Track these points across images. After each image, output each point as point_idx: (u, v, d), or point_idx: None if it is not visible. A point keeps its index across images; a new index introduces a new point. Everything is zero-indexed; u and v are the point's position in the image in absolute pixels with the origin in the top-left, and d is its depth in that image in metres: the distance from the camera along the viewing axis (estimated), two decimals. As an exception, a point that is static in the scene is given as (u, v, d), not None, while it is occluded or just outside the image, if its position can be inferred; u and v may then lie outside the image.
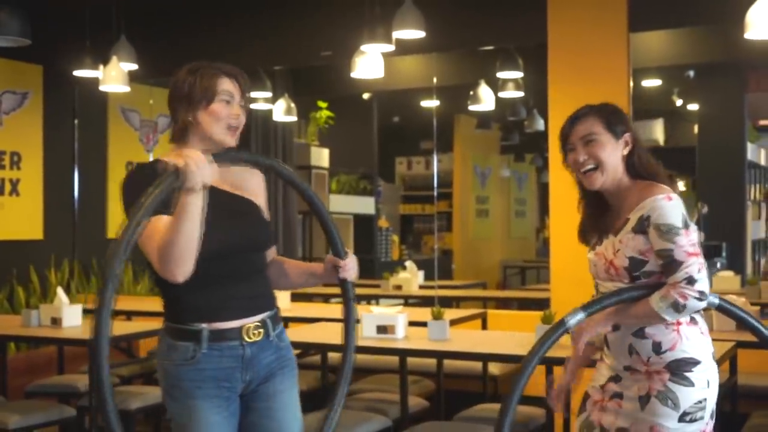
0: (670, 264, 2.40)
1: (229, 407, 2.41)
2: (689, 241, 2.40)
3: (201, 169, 2.11)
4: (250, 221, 2.51)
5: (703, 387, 2.45)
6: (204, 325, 2.37)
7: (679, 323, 2.47)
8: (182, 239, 2.17)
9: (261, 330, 2.44)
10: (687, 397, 2.43)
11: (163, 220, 2.24)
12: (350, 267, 2.52)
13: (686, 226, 2.41)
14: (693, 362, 2.45)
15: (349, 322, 2.50)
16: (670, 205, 2.42)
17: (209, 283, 2.36)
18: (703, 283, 2.39)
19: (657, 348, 2.46)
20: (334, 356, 5.10)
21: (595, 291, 2.67)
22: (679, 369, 2.44)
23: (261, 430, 2.48)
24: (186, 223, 2.16)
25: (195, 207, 2.16)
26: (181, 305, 2.40)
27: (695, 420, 2.44)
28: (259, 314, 2.45)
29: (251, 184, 2.56)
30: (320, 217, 2.43)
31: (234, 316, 2.41)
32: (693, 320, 2.50)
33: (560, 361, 3.81)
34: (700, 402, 2.44)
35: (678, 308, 2.38)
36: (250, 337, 2.41)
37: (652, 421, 2.43)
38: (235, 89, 2.45)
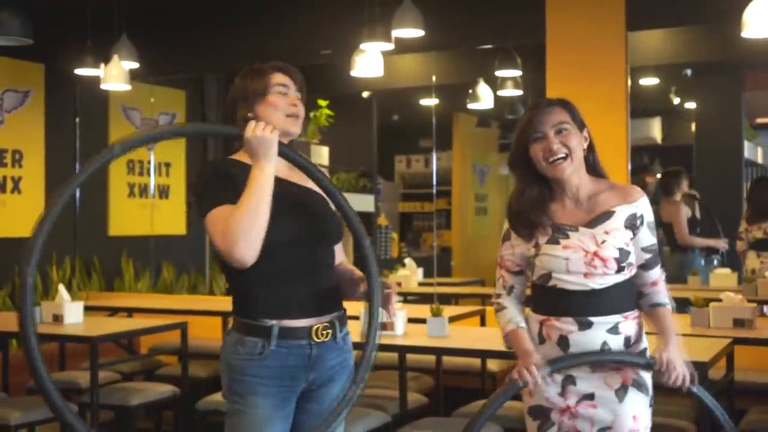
0: (655, 258, 2.58)
1: (285, 408, 2.42)
2: None
3: (266, 136, 2.24)
4: (320, 214, 2.50)
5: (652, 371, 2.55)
6: (274, 322, 2.37)
7: (638, 316, 2.58)
8: (247, 215, 2.22)
9: (329, 331, 2.44)
10: (650, 382, 2.54)
11: (228, 209, 2.28)
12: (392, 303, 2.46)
13: None
14: (646, 349, 2.57)
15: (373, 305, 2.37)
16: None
17: (279, 278, 2.36)
18: None
19: (627, 342, 2.53)
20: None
21: (506, 289, 2.62)
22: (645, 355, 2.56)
23: (309, 429, 2.47)
24: (252, 198, 2.23)
25: (261, 182, 2.24)
26: (251, 300, 2.40)
27: (652, 405, 2.56)
28: (328, 314, 2.45)
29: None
30: (362, 251, 2.38)
31: (304, 314, 2.41)
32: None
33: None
34: (654, 386, 2.55)
35: None
36: (318, 337, 2.41)
37: (633, 411, 2.49)
38: (288, 81, 2.51)
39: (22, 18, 5.15)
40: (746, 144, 8.12)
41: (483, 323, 5.32)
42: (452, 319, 4.59)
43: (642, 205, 2.55)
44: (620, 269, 2.49)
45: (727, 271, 6.29)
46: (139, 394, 4.70)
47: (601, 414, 2.50)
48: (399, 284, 6.89)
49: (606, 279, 2.48)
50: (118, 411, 4.80)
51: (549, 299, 2.55)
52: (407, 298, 6.95)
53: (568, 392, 2.53)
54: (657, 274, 2.58)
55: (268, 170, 2.27)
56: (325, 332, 2.42)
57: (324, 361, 2.43)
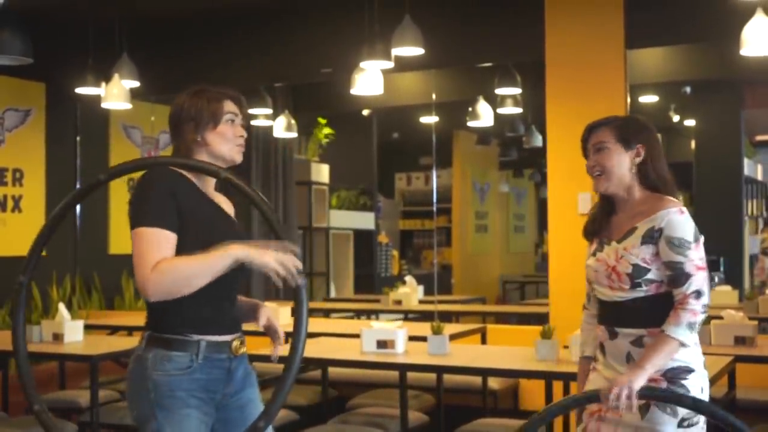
0: (680, 277, 2.50)
1: (209, 420, 2.49)
2: (698, 255, 2.52)
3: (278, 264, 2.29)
4: (237, 238, 2.52)
5: (698, 393, 2.52)
6: (200, 337, 2.45)
7: None
8: (187, 278, 2.33)
9: (244, 346, 2.57)
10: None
11: (169, 241, 2.38)
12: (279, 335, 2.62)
13: (696, 239, 2.53)
14: (688, 370, 2.53)
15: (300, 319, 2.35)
16: (682, 218, 2.54)
17: (207, 299, 2.43)
18: (707, 297, 2.51)
19: None
20: (334, 371, 5.13)
21: (587, 298, 2.77)
22: (675, 377, 2.51)
23: None
24: (201, 270, 2.33)
25: (220, 265, 2.32)
26: (174, 316, 2.44)
27: (692, 425, 2.51)
28: (238, 332, 2.58)
29: (230, 206, 2.68)
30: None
31: (224, 331, 2.51)
32: None
33: (560, 376, 3.85)
34: None
35: (693, 327, 2.48)
36: (236, 352, 2.53)
37: (653, 429, 2.50)
38: (237, 110, 2.61)
39: (23, 37, 5.17)
40: (746, 161, 8.14)
41: (484, 341, 5.32)
42: (453, 337, 4.58)
43: (662, 218, 2.53)
44: (635, 285, 2.54)
45: (727, 288, 6.29)
46: (139, 413, 4.68)
47: (624, 426, 2.55)
48: (399, 302, 6.90)
49: (627, 293, 2.56)
50: (118, 430, 4.79)
51: (598, 307, 2.71)
52: (408, 316, 6.94)
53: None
54: (680, 295, 2.49)
55: (232, 263, 2.33)
56: (242, 347, 2.56)
57: (237, 374, 2.55)
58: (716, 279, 7.19)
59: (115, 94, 6.13)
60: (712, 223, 7.32)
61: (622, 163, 2.64)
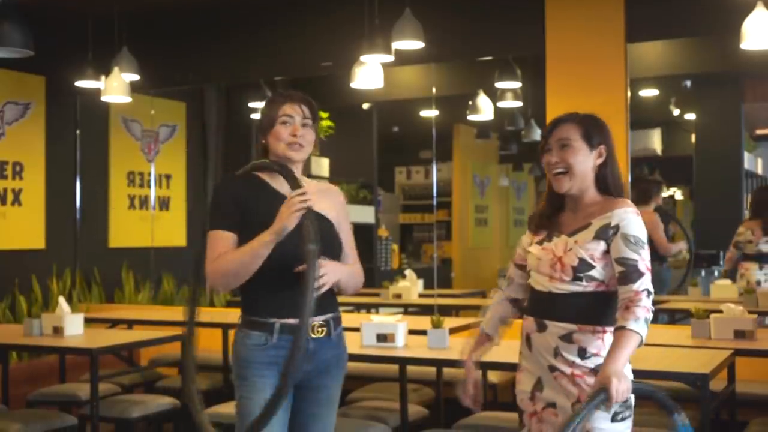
0: (632, 273, 2.49)
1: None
2: (648, 257, 2.53)
3: (294, 214, 2.56)
4: (324, 234, 2.71)
5: None
6: (275, 320, 2.74)
7: (604, 331, 2.56)
8: (236, 266, 2.66)
9: (324, 328, 2.81)
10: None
11: (224, 239, 2.72)
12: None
13: (646, 243, 2.55)
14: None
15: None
16: (638, 219, 2.55)
17: (282, 285, 2.70)
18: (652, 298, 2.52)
19: (582, 353, 2.55)
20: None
21: (508, 281, 2.83)
22: None
23: (301, 417, 2.82)
24: (248, 256, 2.64)
25: (265, 247, 2.62)
26: (256, 302, 2.77)
27: (624, 419, 2.55)
28: (323, 315, 2.80)
29: (329, 201, 2.91)
30: None
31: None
32: None
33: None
34: (626, 401, 2.53)
35: (647, 322, 2.47)
36: (315, 334, 2.78)
37: (588, 425, 2.50)
38: (294, 111, 2.82)
39: (23, 30, 5.16)
40: (746, 155, 8.14)
41: (483, 335, 5.31)
42: (453, 331, 4.59)
43: (618, 217, 2.53)
44: (576, 278, 2.55)
45: (727, 282, 6.29)
46: (140, 407, 4.70)
47: (562, 419, 2.56)
48: (399, 296, 6.91)
49: (565, 285, 2.56)
50: (118, 423, 4.80)
51: (529, 297, 2.73)
52: (408, 309, 6.95)
53: (536, 398, 2.67)
54: (630, 293, 2.47)
55: (275, 239, 2.61)
56: (320, 329, 2.80)
57: (320, 355, 2.80)
58: (716, 273, 7.19)
59: (115, 87, 6.13)
60: (712, 217, 7.33)
61: (586, 162, 2.62)
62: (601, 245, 2.53)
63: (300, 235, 2.54)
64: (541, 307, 2.64)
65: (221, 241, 2.72)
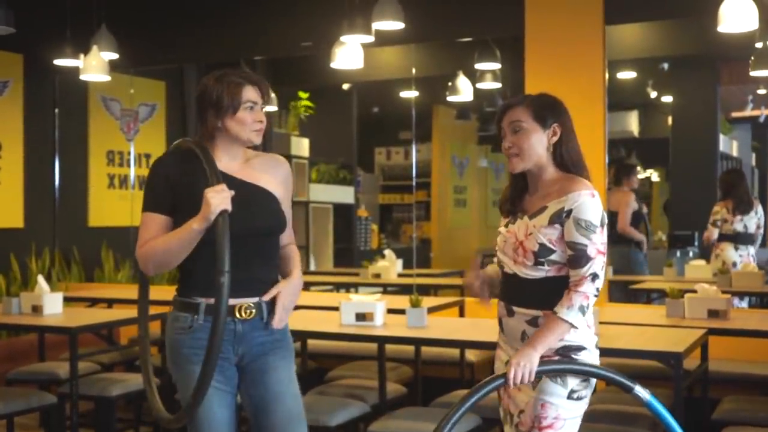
0: (580, 258, 2.51)
1: (224, 372, 2.68)
2: (601, 240, 2.53)
3: (223, 202, 2.49)
4: (256, 209, 2.70)
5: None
6: (202, 300, 2.66)
7: None
8: (164, 253, 2.61)
9: (254, 311, 2.69)
10: (574, 376, 2.56)
11: (156, 222, 2.66)
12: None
13: (602, 224, 2.54)
14: (579, 348, 2.58)
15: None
16: (592, 202, 2.53)
17: (211, 266, 2.52)
18: (602, 281, 2.54)
19: None
20: (313, 344, 5.17)
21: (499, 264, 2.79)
22: (567, 353, 2.57)
23: (257, 400, 2.73)
24: (176, 243, 2.58)
25: (193, 235, 2.55)
26: (187, 281, 2.71)
27: (581, 398, 2.59)
28: (254, 297, 2.70)
29: (275, 175, 2.80)
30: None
31: (230, 295, 2.53)
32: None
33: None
34: (586, 380, 2.58)
35: (584, 311, 2.51)
36: (241, 315, 2.67)
37: (543, 399, 2.57)
38: (257, 96, 2.72)
39: (3, 6, 5.13)
40: (721, 137, 8.22)
41: (462, 314, 5.36)
42: (431, 310, 4.62)
43: (573, 200, 2.53)
44: (538, 263, 2.56)
45: (701, 262, 6.37)
46: (119, 385, 4.71)
47: (521, 397, 2.63)
48: (378, 275, 6.94)
49: (529, 270, 2.58)
50: (98, 401, 4.81)
51: (500, 279, 2.74)
52: (387, 289, 6.99)
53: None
54: (577, 277, 2.52)
55: (203, 227, 2.53)
56: (247, 311, 2.68)
57: (252, 338, 2.70)
58: (690, 254, 7.28)
59: (94, 66, 6.09)
60: (688, 199, 7.41)
61: (539, 143, 2.62)
62: (557, 230, 2.54)
63: (231, 215, 2.51)
64: (508, 291, 2.67)
65: (152, 224, 2.66)
